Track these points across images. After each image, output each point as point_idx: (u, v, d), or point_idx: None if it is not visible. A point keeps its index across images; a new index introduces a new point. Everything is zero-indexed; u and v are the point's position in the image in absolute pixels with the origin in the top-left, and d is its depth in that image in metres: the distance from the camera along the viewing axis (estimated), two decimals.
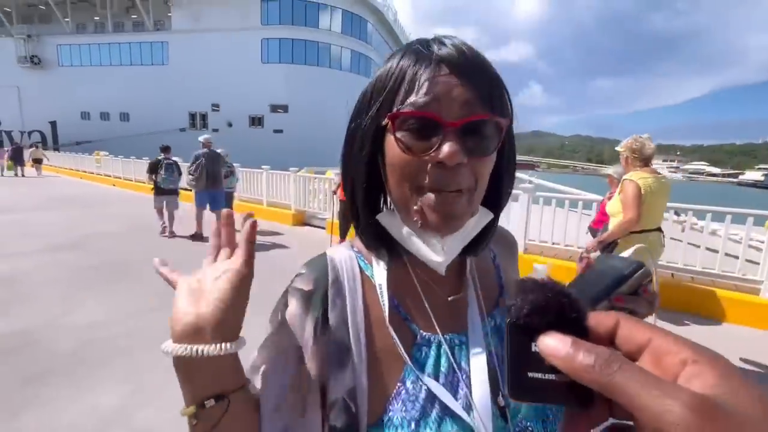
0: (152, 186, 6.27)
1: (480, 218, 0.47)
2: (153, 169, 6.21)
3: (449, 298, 0.49)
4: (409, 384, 0.43)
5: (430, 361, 0.45)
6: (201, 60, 25.45)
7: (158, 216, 6.40)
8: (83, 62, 28.76)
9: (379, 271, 0.48)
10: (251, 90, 24.77)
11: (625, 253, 0.57)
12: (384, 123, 0.42)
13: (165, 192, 6.21)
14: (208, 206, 6.11)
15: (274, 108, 25.53)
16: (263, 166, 8.67)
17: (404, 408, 0.42)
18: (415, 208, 0.42)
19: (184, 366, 0.39)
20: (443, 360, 0.45)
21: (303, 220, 7.97)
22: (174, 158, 6.34)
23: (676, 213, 4.66)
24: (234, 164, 6.96)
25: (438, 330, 0.46)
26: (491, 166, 0.43)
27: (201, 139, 6.03)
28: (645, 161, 2.74)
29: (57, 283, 4.13)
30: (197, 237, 6.13)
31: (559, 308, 0.25)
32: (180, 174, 6.37)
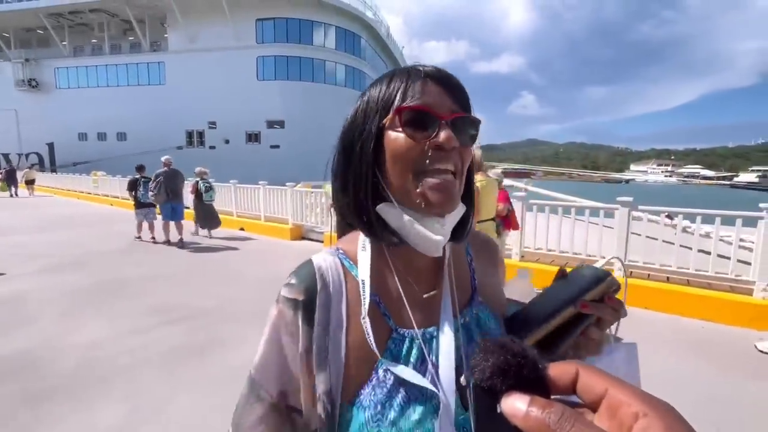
0: (134, 202, 7.33)
1: (459, 208, 0.53)
2: (132, 186, 7.24)
3: (425, 296, 0.54)
4: (380, 372, 0.48)
5: (404, 352, 0.50)
6: (197, 79, 25.77)
7: (138, 227, 7.44)
8: (80, 84, 29.08)
9: (364, 269, 0.52)
10: (247, 107, 25.05)
11: (599, 264, 0.59)
12: (384, 123, 0.49)
13: (145, 205, 7.22)
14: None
15: (271, 124, 25.79)
16: (260, 182, 8.74)
17: (373, 392, 0.47)
18: (417, 191, 0.48)
19: None
20: (415, 351, 0.50)
21: (301, 234, 8.00)
22: (146, 175, 7.29)
23: (669, 217, 4.73)
24: (212, 180, 8.04)
25: (414, 325, 0.51)
26: (470, 156, 0.53)
27: (162, 159, 7.10)
28: (478, 167, 3.36)
29: (57, 303, 4.14)
30: (168, 243, 7.12)
31: (519, 369, 0.26)
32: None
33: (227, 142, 26.21)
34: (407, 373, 0.47)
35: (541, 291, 0.56)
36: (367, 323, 0.48)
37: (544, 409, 0.23)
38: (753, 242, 4.01)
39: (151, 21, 27.22)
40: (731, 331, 3.53)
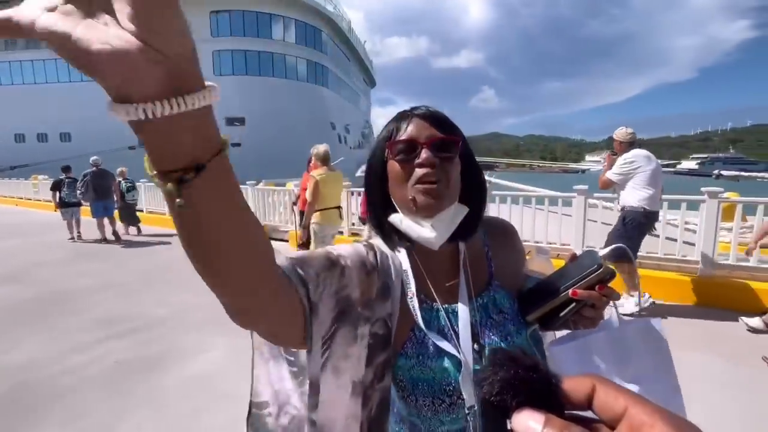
0: (56, 202, 7.61)
1: (458, 209, 0.66)
2: (56, 186, 7.58)
3: (447, 284, 0.70)
4: (417, 332, 0.66)
5: (433, 320, 0.67)
6: None
7: (68, 228, 7.73)
8: (14, 81, 26.71)
9: (404, 260, 0.69)
10: None
11: (603, 251, 0.67)
12: (386, 156, 0.67)
13: (70, 205, 7.59)
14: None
15: (230, 121, 24.79)
16: (295, 184, 8.32)
17: (413, 347, 0.65)
18: (410, 197, 0.63)
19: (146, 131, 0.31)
20: (442, 320, 0.67)
21: (266, 233, 7.73)
22: (72, 176, 7.71)
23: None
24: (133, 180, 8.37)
25: (438, 302, 0.68)
26: (457, 169, 0.66)
27: (90, 160, 7.46)
28: (323, 162, 3.97)
29: None
30: (104, 240, 7.51)
31: (530, 384, 0.25)
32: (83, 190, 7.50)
33: None
34: (436, 337, 0.64)
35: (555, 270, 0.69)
36: (414, 301, 0.66)
37: (560, 430, 0.22)
38: (696, 224, 4.28)
39: None
40: (680, 307, 3.75)
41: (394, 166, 0.65)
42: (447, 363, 0.63)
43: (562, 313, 0.62)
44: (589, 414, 0.24)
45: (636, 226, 3.57)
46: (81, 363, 2.95)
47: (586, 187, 4.61)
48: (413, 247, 0.69)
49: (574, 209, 4.62)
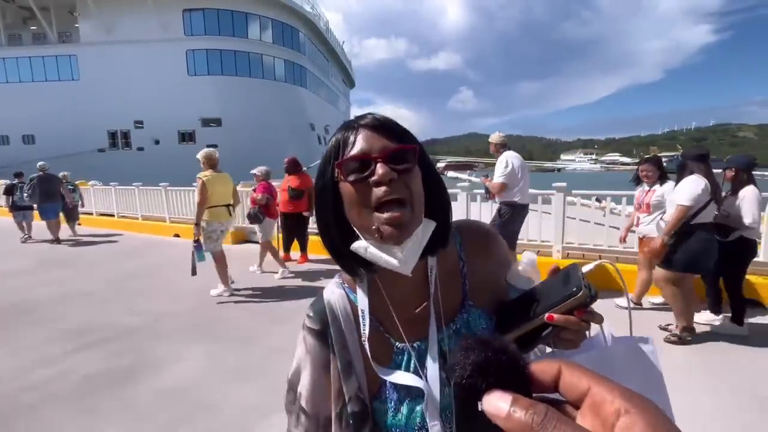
0: (9, 205, 8.16)
1: (426, 226, 0.59)
2: (9, 191, 8.13)
3: (416, 311, 0.65)
4: (388, 378, 0.63)
5: (404, 362, 0.64)
6: (118, 74, 23.37)
7: (19, 228, 8.17)
8: None
9: (362, 298, 0.65)
10: (179, 104, 23.19)
11: (586, 267, 0.61)
12: (337, 176, 0.58)
13: (22, 208, 8.04)
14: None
15: (206, 122, 24.15)
16: (194, 184, 8.11)
17: (387, 391, 0.64)
18: (373, 228, 0.56)
19: None
20: (412, 360, 0.64)
21: (244, 237, 7.55)
22: (24, 181, 8.09)
23: (597, 200, 5.06)
24: (75, 181, 9.02)
25: (406, 340, 0.64)
26: (418, 179, 0.58)
27: (37, 165, 7.90)
28: (212, 165, 4.38)
29: None
30: (58, 241, 7.80)
31: (499, 367, 0.26)
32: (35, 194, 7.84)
33: (157, 142, 24.14)
34: (401, 377, 0.62)
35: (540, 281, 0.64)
36: (366, 346, 0.63)
37: (527, 409, 0.23)
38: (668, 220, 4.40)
39: (58, 9, 24.18)
40: (656, 301, 3.85)
41: (347, 189, 0.57)
42: (415, 401, 0.62)
43: (538, 337, 0.58)
44: (556, 396, 0.25)
45: (510, 216, 4.07)
46: (46, 377, 2.77)
47: (564, 184, 4.69)
48: (377, 271, 0.63)
49: (554, 206, 4.69)
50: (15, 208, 8.05)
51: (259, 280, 5.03)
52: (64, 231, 8.18)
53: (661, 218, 3.31)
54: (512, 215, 4.07)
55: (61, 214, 8.20)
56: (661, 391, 0.59)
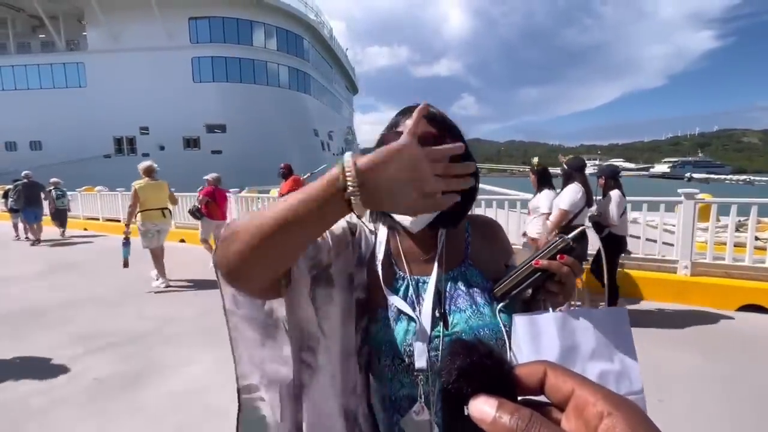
0: (8, 209, 9.04)
1: None
2: (5, 195, 9.41)
3: (422, 259, 0.76)
4: (389, 299, 0.72)
5: (402, 288, 0.74)
6: (125, 81, 23.64)
7: (14, 230, 9.13)
8: None
9: (381, 234, 0.78)
10: (184, 111, 23.41)
11: (570, 235, 0.68)
12: (393, 130, 0.68)
13: (16, 211, 8.80)
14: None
15: (211, 128, 24.36)
16: (198, 189, 8.18)
17: (382, 311, 0.72)
18: None
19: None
20: (410, 290, 0.73)
21: None
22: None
23: None
24: (64, 189, 9.57)
25: (408, 273, 0.75)
26: None
27: (22, 174, 8.82)
28: (148, 174, 5.02)
29: None
30: (38, 241, 8.51)
31: (484, 372, 0.26)
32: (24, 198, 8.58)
33: (162, 148, 24.31)
34: (398, 302, 0.70)
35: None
36: (378, 269, 0.73)
37: (512, 413, 0.23)
38: (674, 225, 4.42)
39: (66, 18, 24.57)
40: (661, 306, 3.85)
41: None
42: (408, 325, 0.68)
43: (526, 283, 0.66)
44: (542, 398, 0.26)
45: None
46: (56, 382, 2.80)
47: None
48: (394, 225, 0.74)
49: None
50: (12, 211, 8.92)
51: None
52: (53, 233, 9.06)
53: (546, 220, 3.64)
54: None
55: (49, 217, 9.15)
56: (630, 353, 0.66)
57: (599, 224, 3.59)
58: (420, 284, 0.73)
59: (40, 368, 2.99)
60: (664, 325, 3.44)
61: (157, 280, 5.07)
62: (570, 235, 0.66)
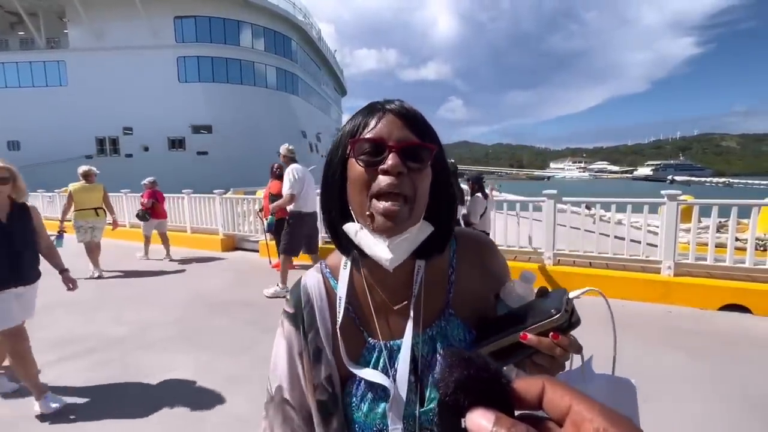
0: None
1: (422, 228, 0.58)
2: None
3: (396, 307, 0.64)
4: (356, 372, 0.62)
5: (373, 359, 0.63)
6: (107, 80, 23.09)
7: None
8: None
9: (342, 285, 0.65)
10: (169, 111, 22.98)
11: (574, 293, 0.59)
12: (348, 153, 0.57)
13: None
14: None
15: (196, 129, 23.96)
16: (184, 190, 8.03)
17: (355, 386, 0.62)
18: (367, 213, 0.55)
19: None
20: (382, 359, 0.62)
21: (234, 244, 7.48)
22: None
23: (587, 207, 5.12)
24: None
25: (379, 337, 0.63)
26: (427, 181, 0.57)
27: None
28: (85, 178, 5.67)
29: None
30: None
31: (482, 385, 0.26)
32: None
33: (146, 149, 23.86)
34: (369, 374, 0.60)
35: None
36: (338, 335, 0.62)
37: (508, 429, 0.23)
38: (657, 226, 4.48)
39: (46, 14, 23.91)
40: (645, 306, 3.89)
41: (354, 167, 0.56)
42: (377, 402, 0.60)
43: (511, 356, 0.56)
44: (540, 413, 0.25)
45: (296, 224, 4.53)
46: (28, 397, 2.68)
47: (554, 192, 4.74)
48: (366, 257, 0.60)
49: (544, 214, 4.73)
50: None
51: (246, 289, 4.97)
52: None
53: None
54: (297, 223, 4.53)
55: None
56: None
57: (467, 222, 4.38)
58: (393, 351, 0.62)
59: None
60: (648, 325, 3.48)
61: (95, 272, 5.74)
62: (567, 312, 0.54)
